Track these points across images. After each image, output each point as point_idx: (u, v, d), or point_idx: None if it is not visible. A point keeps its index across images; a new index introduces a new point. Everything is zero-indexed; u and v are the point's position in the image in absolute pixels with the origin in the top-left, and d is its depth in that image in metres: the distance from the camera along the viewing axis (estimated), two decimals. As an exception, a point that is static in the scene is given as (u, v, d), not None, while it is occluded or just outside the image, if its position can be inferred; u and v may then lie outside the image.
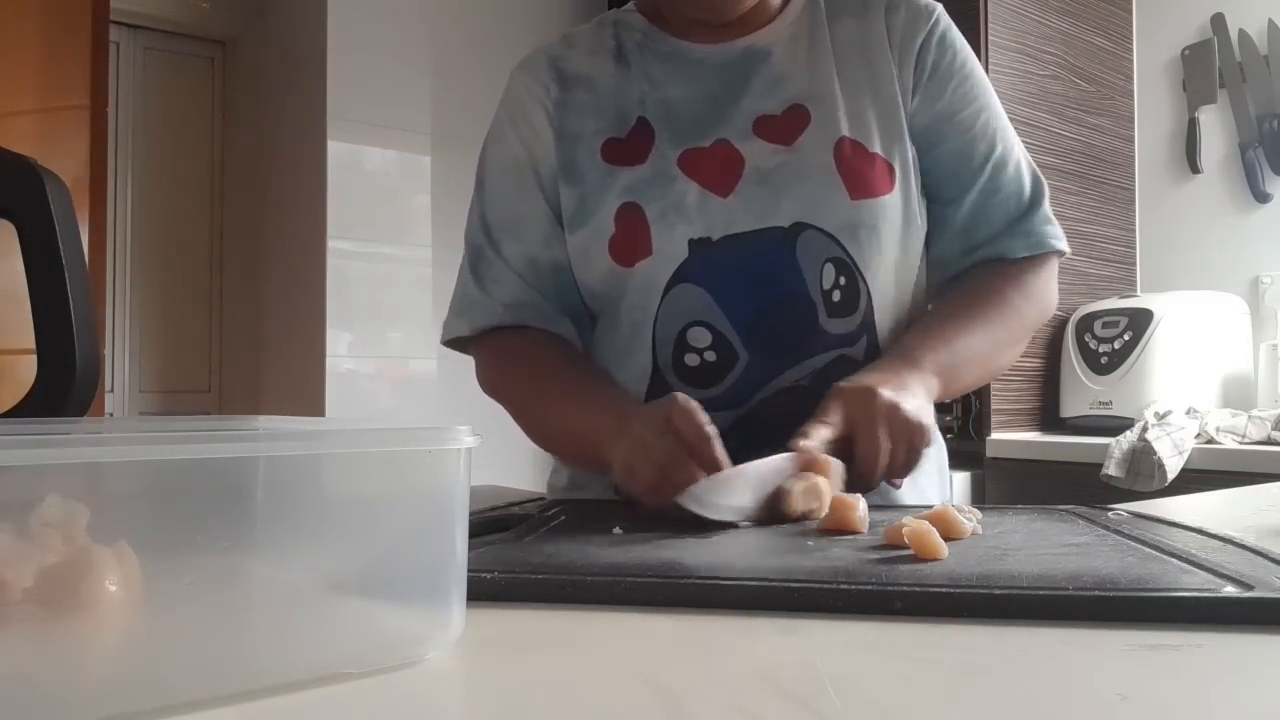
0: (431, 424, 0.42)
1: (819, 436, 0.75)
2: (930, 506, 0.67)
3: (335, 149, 2.73)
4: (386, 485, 0.42)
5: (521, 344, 0.95)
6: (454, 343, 1.01)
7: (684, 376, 0.91)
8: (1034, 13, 2.39)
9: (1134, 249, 2.65)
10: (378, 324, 2.81)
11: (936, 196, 0.97)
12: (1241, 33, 2.43)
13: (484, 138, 1.02)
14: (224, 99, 3.11)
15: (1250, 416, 1.98)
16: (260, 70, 3.05)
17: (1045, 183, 0.99)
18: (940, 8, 0.98)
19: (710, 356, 0.90)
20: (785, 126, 0.92)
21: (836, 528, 0.65)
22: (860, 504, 0.66)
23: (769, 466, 0.72)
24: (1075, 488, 2.00)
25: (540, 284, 0.95)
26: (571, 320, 0.97)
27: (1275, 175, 2.39)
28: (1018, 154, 0.98)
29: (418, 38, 2.87)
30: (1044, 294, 0.98)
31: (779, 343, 0.89)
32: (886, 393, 0.77)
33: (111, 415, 2.82)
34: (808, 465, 0.72)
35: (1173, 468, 1.89)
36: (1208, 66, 2.50)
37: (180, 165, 3.05)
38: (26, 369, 0.68)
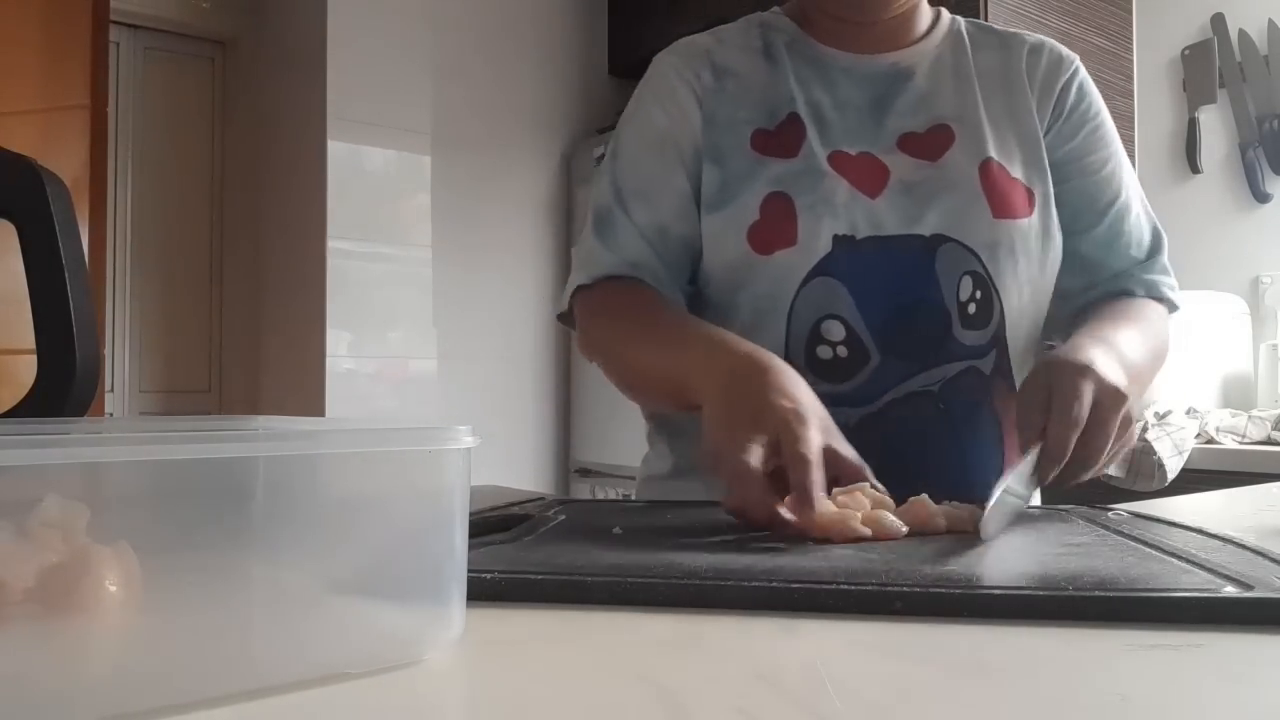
0: (431, 424, 0.42)
1: (1038, 426, 0.72)
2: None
3: (335, 149, 2.73)
4: (386, 485, 0.42)
5: (632, 292, 0.94)
6: (567, 315, 0.99)
7: (815, 369, 0.90)
8: (1034, 13, 2.39)
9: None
10: (378, 324, 2.81)
11: (1065, 228, 0.99)
12: (1241, 33, 2.43)
13: (623, 116, 1.02)
14: (224, 99, 3.11)
15: (1250, 416, 1.98)
16: (260, 70, 3.05)
17: (1165, 236, 1.04)
18: (1078, 60, 1.03)
19: (843, 352, 0.90)
20: (930, 144, 0.94)
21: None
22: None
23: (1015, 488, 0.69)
24: (1075, 488, 2.00)
25: (665, 252, 0.95)
26: (684, 296, 0.97)
27: (1275, 175, 2.39)
28: (1140, 205, 1.03)
29: (418, 38, 2.87)
30: (1167, 331, 1.00)
31: (911, 347, 0.90)
32: (1101, 368, 0.75)
33: (111, 415, 2.82)
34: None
35: (1173, 468, 1.89)
36: (1208, 66, 2.50)
37: (180, 165, 3.05)
38: (26, 369, 0.68)
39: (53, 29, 2.40)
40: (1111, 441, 0.75)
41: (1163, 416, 2.00)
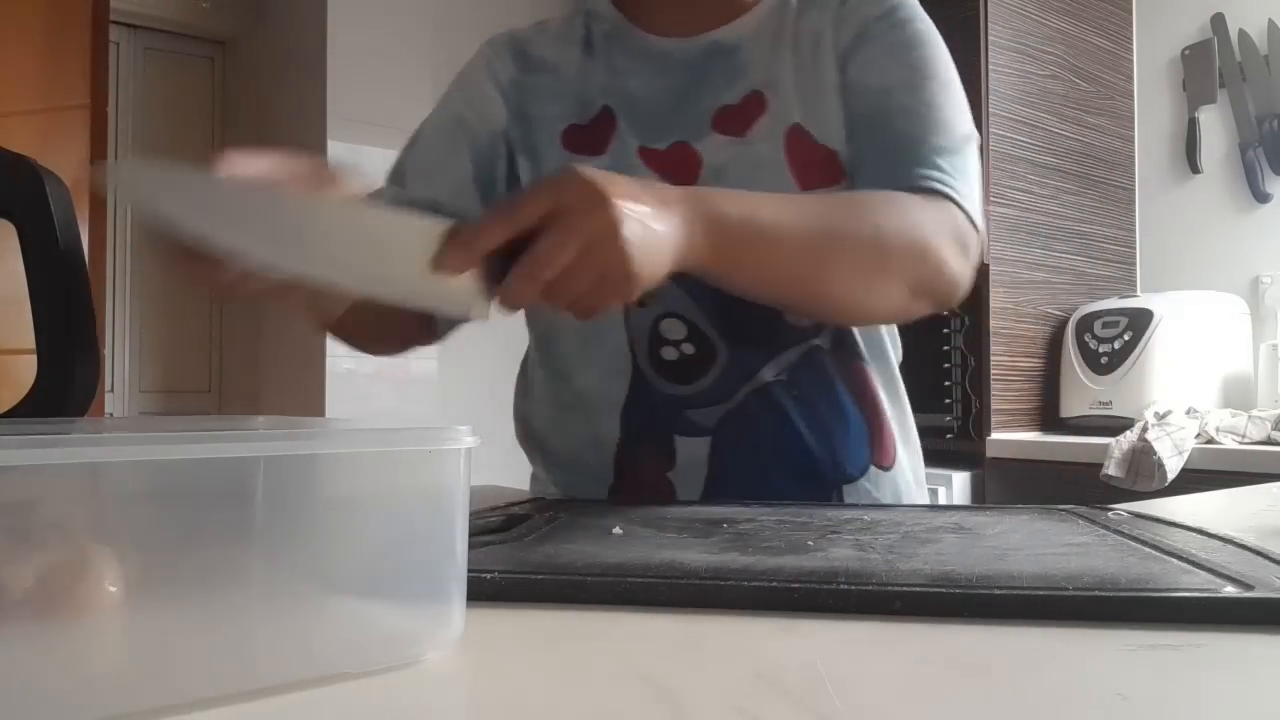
0: (431, 424, 0.42)
1: (486, 237, 0.57)
2: None
3: (335, 149, 2.73)
4: (386, 485, 0.42)
5: None
6: None
7: (664, 372, 0.89)
8: (1034, 13, 2.39)
9: (1134, 249, 2.64)
10: (378, 324, 2.81)
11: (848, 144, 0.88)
12: (1241, 33, 2.43)
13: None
14: (224, 99, 3.11)
15: (1250, 416, 1.98)
16: (260, 70, 3.05)
17: (974, 137, 0.87)
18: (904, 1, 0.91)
19: (688, 349, 0.89)
20: (741, 116, 0.91)
21: None
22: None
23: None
24: (1075, 488, 2.00)
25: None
26: None
27: (1275, 175, 2.39)
28: (939, 114, 0.85)
29: (418, 38, 2.87)
30: (922, 221, 0.78)
31: (752, 334, 0.88)
32: (618, 200, 0.59)
33: (111, 415, 2.81)
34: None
35: (1173, 468, 1.89)
36: (1208, 66, 2.50)
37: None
38: (26, 369, 0.68)
39: (53, 29, 2.40)
40: (558, 259, 0.58)
41: (1163, 416, 2.00)
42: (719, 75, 0.93)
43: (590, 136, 0.93)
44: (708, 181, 0.88)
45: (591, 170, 0.60)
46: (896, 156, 0.82)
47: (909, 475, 0.97)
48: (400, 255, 0.58)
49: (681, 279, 0.78)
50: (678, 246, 0.64)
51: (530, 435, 1.04)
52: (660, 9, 0.96)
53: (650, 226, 0.61)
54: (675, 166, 0.90)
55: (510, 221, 0.58)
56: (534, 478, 1.06)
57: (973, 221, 0.81)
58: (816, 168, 0.86)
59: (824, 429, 0.90)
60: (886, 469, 0.94)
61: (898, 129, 0.83)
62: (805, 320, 0.89)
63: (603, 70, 0.95)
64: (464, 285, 0.57)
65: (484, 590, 0.50)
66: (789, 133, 0.88)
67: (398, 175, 0.97)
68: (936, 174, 0.80)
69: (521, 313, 0.91)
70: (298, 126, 2.85)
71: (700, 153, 0.90)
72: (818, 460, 0.90)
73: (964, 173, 0.82)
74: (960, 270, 0.79)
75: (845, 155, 0.87)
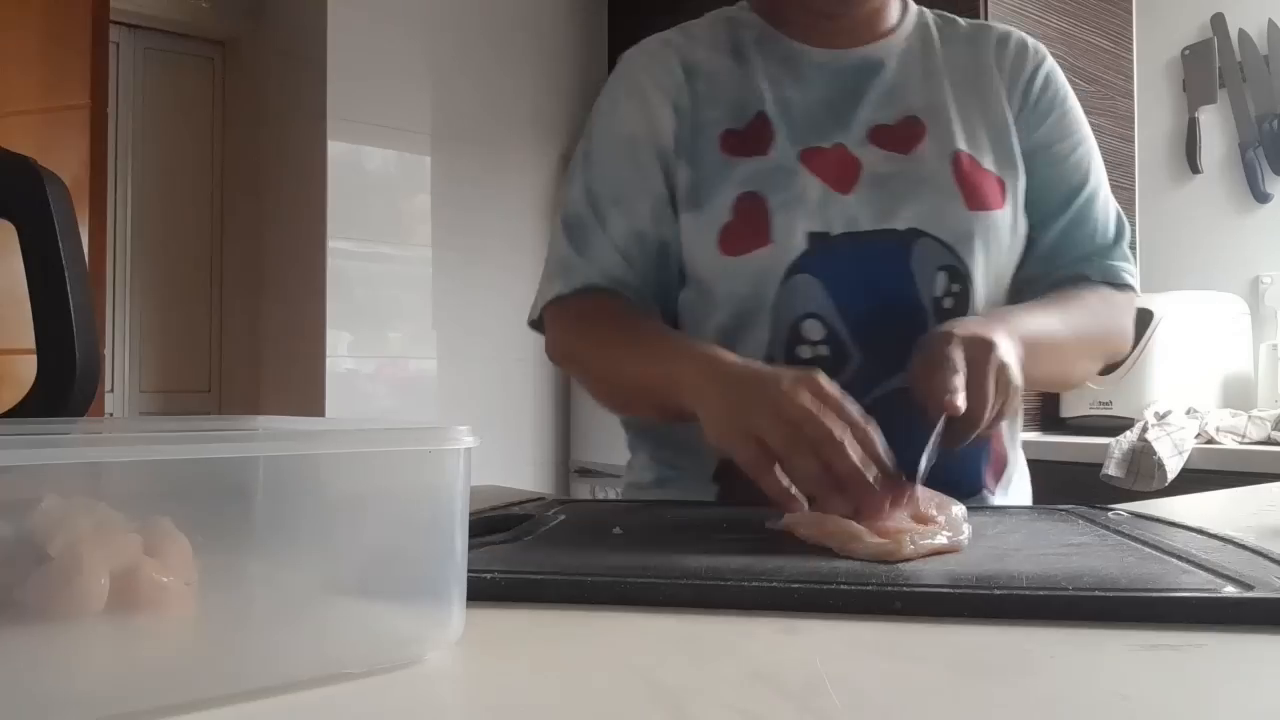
0: (431, 424, 0.42)
1: (961, 387, 0.72)
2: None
3: (335, 149, 2.73)
4: (386, 485, 0.42)
5: (610, 303, 0.93)
6: (538, 322, 0.98)
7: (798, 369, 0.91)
8: (1034, 13, 2.39)
9: (1134, 249, 2.64)
10: (378, 324, 2.81)
11: (1030, 219, 0.99)
12: (1241, 33, 2.43)
13: (591, 115, 1.01)
14: (224, 99, 3.11)
15: (1250, 416, 1.98)
16: (260, 70, 3.05)
17: (1128, 223, 1.03)
18: (1045, 50, 1.03)
19: (823, 351, 0.90)
20: (901, 136, 0.94)
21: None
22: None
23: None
24: (1075, 488, 2.00)
25: (642, 261, 0.94)
26: (664, 306, 0.97)
27: (1275, 175, 2.39)
28: (1106, 194, 1.02)
29: (418, 38, 2.87)
30: (1122, 318, 1.00)
31: (889, 345, 0.88)
32: (1002, 346, 0.77)
33: (111, 415, 2.82)
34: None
35: (1173, 468, 1.89)
36: (1208, 66, 2.50)
37: (180, 165, 3.05)
38: (26, 369, 0.68)
39: (53, 29, 2.40)
40: (991, 399, 0.75)
41: (1163, 416, 2.00)
42: (872, 92, 0.96)
43: (749, 140, 0.93)
44: (867, 186, 0.91)
45: (970, 323, 0.79)
46: (1095, 247, 0.99)
47: (1019, 502, 0.99)
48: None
49: (826, 281, 0.88)
50: (1020, 359, 0.79)
51: (643, 420, 1.02)
52: (807, 22, 0.97)
53: (1011, 351, 0.78)
54: (836, 167, 0.92)
55: (960, 376, 0.74)
56: (629, 467, 1.05)
57: (1136, 294, 1.02)
58: (984, 191, 0.92)
59: None
60: (994, 492, 0.95)
61: (1095, 216, 1.00)
62: None
63: (758, 77, 0.96)
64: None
65: (484, 590, 0.50)
66: (956, 156, 0.93)
67: (592, 204, 0.96)
68: (1126, 269, 0.99)
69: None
70: (298, 126, 2.85)
71: (860, 159, 0.92)
72: (934, 468, 0.90)
73: (1130, 255, 1.01)
74: (1133, 333, 1.02)
75: (1010, 185, 0.95)
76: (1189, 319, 2.21)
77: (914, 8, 1.03)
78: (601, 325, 0.93)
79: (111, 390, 2.89)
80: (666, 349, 0.85)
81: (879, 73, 0.97)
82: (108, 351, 2.84)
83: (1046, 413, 2.39)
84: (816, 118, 0.95)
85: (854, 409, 0.70)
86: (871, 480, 0.66)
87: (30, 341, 0.68)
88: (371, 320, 2.80)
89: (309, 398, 2.74)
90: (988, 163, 0.95)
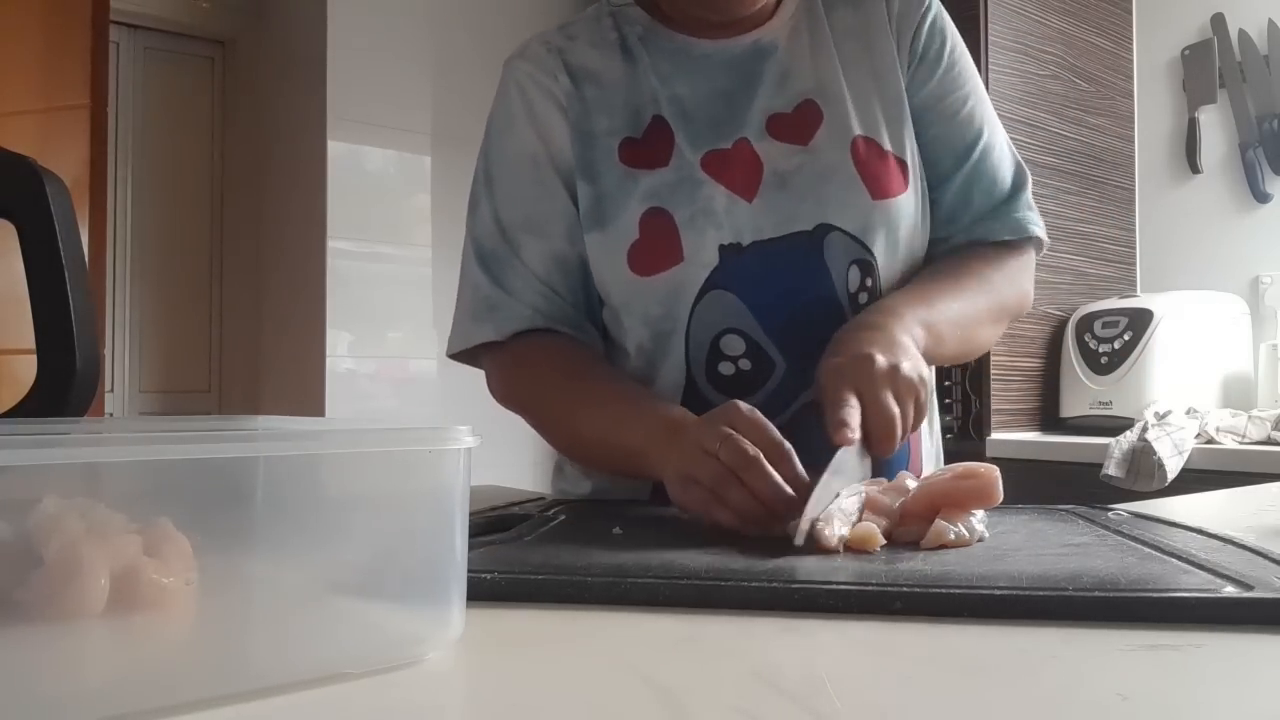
0: (431, 424, 0.42)
1: (854, 423, 0.73)
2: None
3: (335, 149, 2.73)
4: (386, 485, 0.42)
5: (550, 347, 0.91)
6: (465, 353, 0.95)
7: (720, 386, 0.88)
8: (1034, 13, 2.39)
9: (1134, 249, 2.64)
10: (378, 324, 2.81)
11: (929, 179, 0.96)
12: (1241, 33, 2.43)
13: (485, 131, 0.98)
14: (224, 99, 3.11)
15: (1250, 416, 1.98)
16: (260, 70, 3.05)
17: (1028, 172, 0.99)
18: None
19: (745, 365, 0.88)
20: (798, 125, 0.91)
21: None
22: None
23: (838, 479, 0.70)
24: (1075, 488, 2.00)
25: (566, 284, 0.92)
26: (596, 328, 0.94)
27: (1275, 175, 2.39)
28: (1002, 141, 0.99)
29: (418, 38, 2.87)
30: (1021, 279, 0.98)
31: (813, 347, 0.86)
32: (881, 358, 0.76)
33: (111, 415, 2.81)
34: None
35: (1173, 468, 1.89)
36: (1208, 66, 2.50)
37: (180, 165, 3.05)
38: (26, 369, 0.68)
39: (53, 29, 2.40)
40: (894, 408, 0.75)
41: (1163, 416, 2.00)
42: (764, 78, 0.93)
43: (648, 150, 0.90)
44: (771, 188, 0.88)
45: (854, 341, 0.78)
46: (991, 202, 0.97)
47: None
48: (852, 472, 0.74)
49: (741, 293, 0.86)
50: (919, 345, 0.81)
51: None
52: (691, 11, 0.94)
53: (902, 348, 0.78)
54: (739, 171, 0.89)
55: (853, 410, 0.74)
56: (559, 471, 1.03)
57: (1043, 242, 1.00)
58: (885, 178, 0.90)
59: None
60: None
61: (990, 172, 0.97)
62: None
63: (648, 77, 0.93)
64: (867, 465, 0.78)
65: (484, 590, 0.50)
66: (855, 143, 0.90)
67: (502, 233, 0.93)
68: (1028, 219, 0.97)
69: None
70: (298, 126, 2.85)
71: (761, 157, 0.90)
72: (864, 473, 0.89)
73: (1032, 203, 0.98)
74: (1032, 292, 1.02)
75: (912, 163, 0.93)
76: (1189, 319, 2.21)
77: None
78: (550, 379, 0.90)
79: (111, 390, 2.89)
80: (625, 411, 0.83)
81: (771, 56, 0.94)
82: (108, 351, 2.84)
83: (1046, 413, 2.39)
84: (713, 114, 0.92)
85: (772, 431, 0.71)
86: (790, 496, 0.67)
87: (30, 341, 0.68)
88: (371, 320, 2.80)
89: (309, 398, 2.74)
90: (885, 143, 0.92)
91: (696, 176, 0.88)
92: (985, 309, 0.92)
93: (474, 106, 3.08)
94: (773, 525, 0.65)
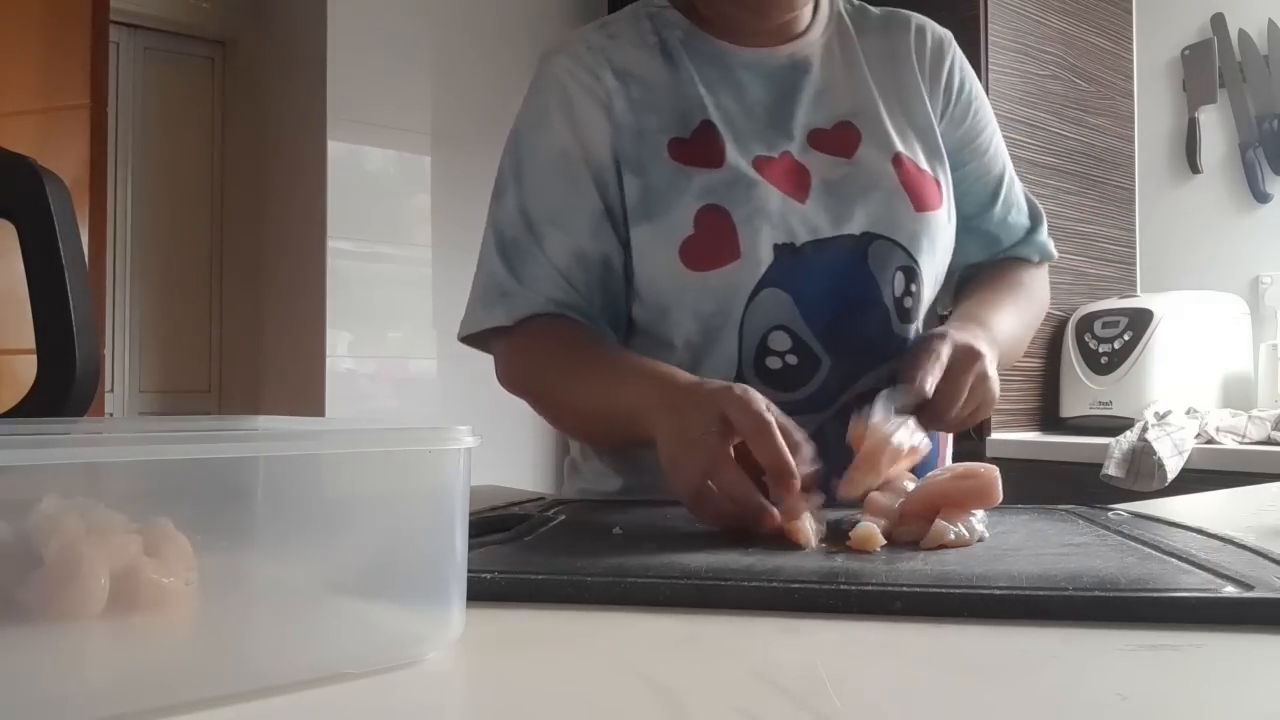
0: (431, 424, 0.42)
1: (935, 378, 0.79)
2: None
3: (335, 149, 2.73)
4: (386, 485, 0.42)
5: (557, 329, 0.91)
6: (475, 338, 0.96)
7: (767, 379, 0.90)
8: (1034, 13, 2.39)
9: (1134, 249, 2.64)
10: (378, 324, 2.81)
11: (964, 212, 1.02)
12: (1241, 33, 2.43)
13: (516, 124, 0.97)
14: (224, 99, 3.11)
15: (1250, 416, 1.98)
16: (260, 70, 3.05)
17: (1037, 201, 1.11)
18: (951, 35, 1.06)
19: (792, 360, 0.89)
20: (839, 140, 0.95)
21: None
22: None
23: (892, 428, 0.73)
24: (1075, 488, 2.00)
25: (584, 280, 0.92)
26: (611, 324, 0.94)
27: (1275, 175, 2.39)
28: (1012, 169, 1.09)
29: (418, 38, 2.87)
30: (1044, 291, 1.10)
31: (856, 348, 0.90)
32: (986, 357, 0.84)
33: (111, 415, 2.81)
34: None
35: (1173, 468, 1.89)
36: (1208, 66, 2.50)
37: (180, 165, 3.05)
38: (26, 369, 0.68)
39: (53, 29, 2.40)
40: (961, 401, 0.82)
41: (1163, 416, 2.00)
42: (804, 94, 0.96)
43: (699, 150, 0.91)
44: (820, 192, 0.91)
45: (959, 334, 0.84)
46: (1024, 228, 1.07)
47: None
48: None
49: (792, 292, 0.89)
50: (996, 368, 0.87)
51: None
52: (733, 20, 0.96)
53: (994, 364, 0.85)
54: (789, 175, 0.91)
55: (940, 370, 0.81)
56: (574, 470, 1.03)
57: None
58: (925, 192, 0.95)
59: None
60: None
61: (1017, 199, 1.07)
62: (911, 333, 0.94)
63: (694, 83, 0.94)
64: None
65: (484, 590, 0.50)
66: (896, 158, 0.94)
67: (527, 225, 0.93)
68: (1048, 245, 1.09)
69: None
70: (298, 126, 2.85)
71: (807, 166, 0.92)
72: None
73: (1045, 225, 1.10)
74: None
75: (944, 183, 0.98)
76: (1189, 319, 2.21)
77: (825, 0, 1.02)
78: (555, 354, 0.91)
79: (111, 390, 2.89)
80: (621, 375, 0.84)
81: (808, 71, 0.97)
82: (108, 351, 2.84)
83: (1046, 413, 2.39)
84: (756, 125, 0.93)
85: (798, 431, 0.71)
86: (759, 503, 0.66)
87: (30, 341, 0.68)
88: (371, 320, 2.80)
89: (309, 398, 2.74)
90: (922, 162, 0.96)
91: (751, 177, 0.90)
92: (1033, 321, 1.04)
93: (474, 106, 3.10)
94: (754, 525, 0.65)
